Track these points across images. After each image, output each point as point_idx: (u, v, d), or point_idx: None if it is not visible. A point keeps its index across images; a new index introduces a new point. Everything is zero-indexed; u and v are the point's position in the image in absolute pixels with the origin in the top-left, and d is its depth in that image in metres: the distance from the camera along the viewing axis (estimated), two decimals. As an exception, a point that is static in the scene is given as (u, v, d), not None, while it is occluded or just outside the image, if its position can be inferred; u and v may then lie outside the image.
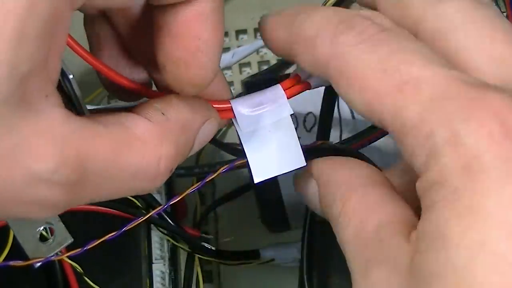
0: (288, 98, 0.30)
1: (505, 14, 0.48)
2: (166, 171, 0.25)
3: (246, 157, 0.30)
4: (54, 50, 0.21)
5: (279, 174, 0.29)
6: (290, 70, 0.51)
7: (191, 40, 0.25)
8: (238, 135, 0.30)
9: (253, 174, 0.29)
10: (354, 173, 0.27)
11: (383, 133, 0.37)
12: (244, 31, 0.54)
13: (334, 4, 0.51)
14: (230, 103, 0.29)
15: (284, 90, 0.30)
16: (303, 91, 0.32)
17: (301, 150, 0.30)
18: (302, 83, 0.30)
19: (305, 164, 0.30)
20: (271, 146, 0.30)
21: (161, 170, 0.25)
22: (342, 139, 0.41)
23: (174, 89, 0.27)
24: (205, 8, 0.25)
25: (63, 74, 0.25)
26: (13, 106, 0.20)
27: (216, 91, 0.30)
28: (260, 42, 0.44)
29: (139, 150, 0.24)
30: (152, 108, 0.26)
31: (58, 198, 0.22)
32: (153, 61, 0.27)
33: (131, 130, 0.24)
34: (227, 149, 0.42)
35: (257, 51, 0.48)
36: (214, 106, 0.30)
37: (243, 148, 0.30)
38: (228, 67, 0.51)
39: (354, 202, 0.25)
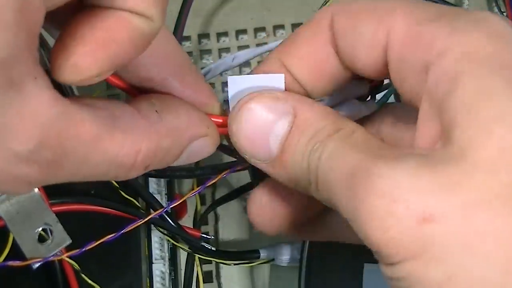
0: None
1: (505, 14, 0.48)
2: (141, 166, 0.26)
3: (230, 111, 0.30)
4: (32, 33, 0.21)
5: None
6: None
7: (105, 31, 0.23)
8: (227, 93, 0.30)
9: None
10: None
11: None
12: (244, 31, 0.54)
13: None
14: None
15: None
16: None
17: None
18: None
19: None
20: None
21: (137, 164, 0.25)
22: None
23: (55, 67, 0.23)
24: (131, 22, 0.23)
25: None
26: None
27: (200, 99, 0.30)
28: (261, 49, 0.44)
29: (120, 140, 0.24)
30: (147, 102, 0.26)
31: (35, 176, 0.23)
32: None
33: (118, 118, 0.24)
34: (227, 151, 0.42)
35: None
36: (214, 120, 0.30)
37: (229, 103, 0.30)
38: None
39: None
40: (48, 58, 0.26)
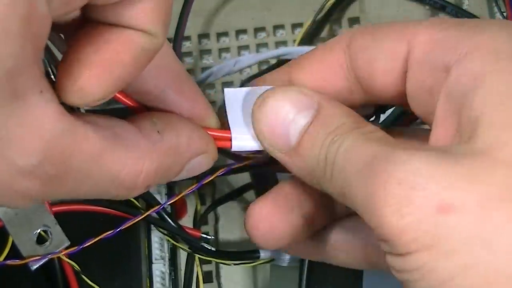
0: None
1: (505, 14, 0.48)
2: (143, 185, 0.26)
3: (229, 126, 0.30)
4: (38, 45, 0.21)
5: (258, 148, 0.30)
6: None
7: (110, 53, 0.24)
8: (224, 105, 0.30)
9: (232, 144, 0.30)
10: None
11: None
12: (244, 31, 0.54)
13: (333, 4, 0.51)
14: (231, 134, 0.30)
15: None
16: None
17: None
18: None
19: None
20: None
21: (139, 184, 0.25)
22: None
23: (61, 89, 0.24)
24: (135, 40, 0.24)
25: None
26: (2, 101, 0.20)
27: (197, 112, 0.30)
28: (263, 55, 0.44)
29: (122, 159, 0.24)
30: (149, 121, 0.26)
31: (37, 190, 0.23)
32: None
33: (120, 137, 0.24)
34: (228, 155, 0.42)
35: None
36: (213, 133, 0.30)
37: (227, 116, 0.30)
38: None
39: None
40: (52, 65, 0.26)
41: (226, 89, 0.30)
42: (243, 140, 0.30)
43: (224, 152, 0.34)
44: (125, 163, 0.25)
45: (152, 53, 0.24)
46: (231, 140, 0.30)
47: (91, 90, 0.23)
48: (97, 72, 0.23)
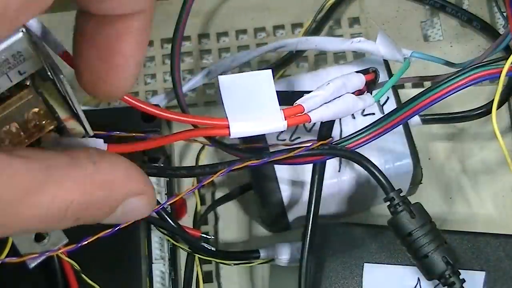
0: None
1: (505, 14, 0.48)
2: (71, 218, 0.24)
3: (225, 113, 0.30)
4: None
5: (256, 133, 0.30)
6: (287, 70, 0.51)
7: (113, 54, 0.25)
8: (220, 93, 0.30)
9: (230, 131, 0.30)
10: None
11: (382, 132, 0.37)
12: (244, 31, 0.54)
13: (333, 4, 0.52)
14: (228, 121, 0.29)
15: (285, 118, 0.30)
16: (301, 123, 0.32)
17: (280, 111, 0.30)
18: (303, 115, 0.31)
19: (282, 125, 0.30)
20: (250, 104, 0.30)
21: (67, 216, 0.24)
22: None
23: (87, 92, 0.26)
24: (133, 25, 0.25)
25: (55, 74, 0.25)
26: None
27: None
28: (260, 50, 0.44)
29: (52, 192, 0.23)
30: (85, 153, 0.25)
31: None
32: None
33: (51, 169, 0.23)
34: (227, 149, 0.42)
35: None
36: (210, 122, 0.30)
37: (223, 104, 0.30)
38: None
39: None
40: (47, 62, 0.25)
41: (220, 77, 0.30)
42: (240, 126, 0.29)
43: (222, 145, 0.34)
44: (55, 196, 0.23)
45: (148, 27, 0.25)
46: (228, 127, 0.29)
47: (115, 93, 0.26)
48: (113, 79, 0.25)
